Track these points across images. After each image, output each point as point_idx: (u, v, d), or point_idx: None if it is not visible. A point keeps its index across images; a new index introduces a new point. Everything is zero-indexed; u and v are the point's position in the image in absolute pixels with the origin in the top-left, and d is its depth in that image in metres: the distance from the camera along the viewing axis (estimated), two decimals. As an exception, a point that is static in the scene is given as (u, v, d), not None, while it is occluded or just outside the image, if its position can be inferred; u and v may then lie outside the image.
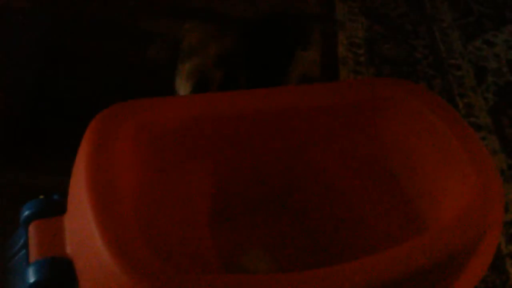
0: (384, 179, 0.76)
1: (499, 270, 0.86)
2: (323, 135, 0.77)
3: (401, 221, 0.73)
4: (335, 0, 1.37)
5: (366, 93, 0.76)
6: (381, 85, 0.78)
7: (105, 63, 1.07)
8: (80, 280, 0.51)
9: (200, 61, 0.87)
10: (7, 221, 0.65)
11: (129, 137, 0.60)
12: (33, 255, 0.53)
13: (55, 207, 0.58)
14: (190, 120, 0.67)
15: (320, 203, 0.78)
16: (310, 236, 0.76)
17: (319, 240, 0.75)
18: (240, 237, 0.75)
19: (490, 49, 1.31)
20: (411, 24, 1.35)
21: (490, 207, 0.64)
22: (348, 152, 0.77)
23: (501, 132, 1.09)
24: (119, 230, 0.49)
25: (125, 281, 0.46)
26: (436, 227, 0.68)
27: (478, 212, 0.63)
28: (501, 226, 0.68)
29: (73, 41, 1.11)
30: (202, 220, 0.73)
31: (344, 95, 0.76)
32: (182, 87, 0.86)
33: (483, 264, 0.67)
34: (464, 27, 1.37)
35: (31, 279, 0.51)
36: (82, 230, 0.51)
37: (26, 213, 0.57)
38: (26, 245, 0.55)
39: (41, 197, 0.59)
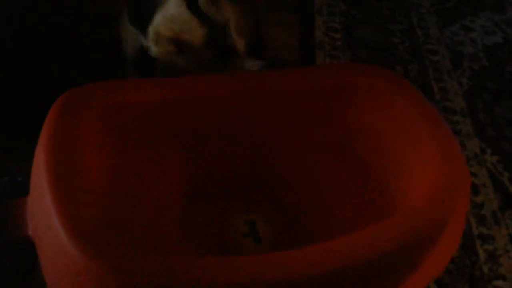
0: (354, 162, 0.77)
1: (469, 251, 0.88)
2: (294, 119, 0.77)
3: (370, 202, 0.74)
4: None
5: (338, 78, 0.77)
6: (352, 71, 0.78)
7: (79, 44, 1.06)
8: (41, 260, 0.51)
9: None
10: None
11: (94, 119, 0.60)
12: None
13: (18, 189, 0.57)
14: (159, 101, 0.67)
15: (291, 185, 0.78)
16: (280, 216, 0.76)
17: (290, 220, 0.76)
18: (216, 219, 0.76)
19: (466, 34, 1.31)
20: (388, 9, 1.35)
21: (456, 190, 0.65)
22: (319, 135, 0.78)
23: (475, 116, 1.10)
24: (78, 211, 0.49)
25: (80, 259, 0.46)
26: (403, 209, 0.68)
27: (443, 195, 0.64)
28: (467, 208, 0.69)
29: (47, 21, 1.09)
30: (172, 201, 0.73)
31: (316, 80, 0.76)
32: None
33: (450, 245, 0.68)
34: (442, 13, 1.37)
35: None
36: (41, 210, 0.50)
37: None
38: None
39: (5, 178, 0.59)
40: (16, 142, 0.86)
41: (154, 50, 0.77)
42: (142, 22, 0.80)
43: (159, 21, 0.75)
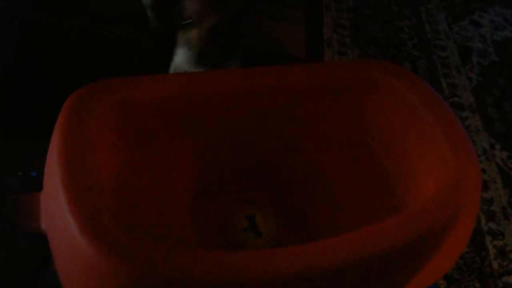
0: (364, 158, 0.77)
1: (479, 247, 0.88)
2: (304, 114, 0.77)
3: (380, 199, 0.74)
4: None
5: (348, 74, 0.77)
6: (363, 67, 0.78)
7: (86, 40, 1.07)
8: (54, 254, 0.52)
9: (197, 33, 0.86)
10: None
11: (105, 115, 0.60)
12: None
13: (32, 184, 0.58)
14: (168, 98, 0.67)
15: (301, 181, 0.78)
16: (291, 213, 0.76)
17: (300, 216, 0.76)
18: (220, 216, 0.76)
19: (475, 30, 1.31)
20: (397, 5, 1.34)
21: (466, 187, 0.65)
22: (329, 131, 0.78)
23: (484, 111, 1.10)
24: (90, 206, 0.49)
25: (92, 254, 0.46)
26: (413, 206, 0.68)
27: (453, 192, 0.64)
28: (477, 205, 0.68)
29: (54, 17, 1.10)
30: (181, 199, 0.74)
31: (326, 76, 0.76)
32: (179, 56, 0.85)
33: (460, 242, 0.68)
34: (450, 8, 1.37)
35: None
36: (54, 206, 0.51)
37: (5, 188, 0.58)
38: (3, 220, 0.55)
39: (19, 173, 0.59)
40: (30, 139, 0.88)
41: None
42: None
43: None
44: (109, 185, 0.60)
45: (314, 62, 1.11)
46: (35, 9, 1.10)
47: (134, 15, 0.99)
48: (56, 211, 0.50)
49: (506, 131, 1.07)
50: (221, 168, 0.77)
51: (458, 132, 0.69)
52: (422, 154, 0.70)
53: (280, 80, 0.74)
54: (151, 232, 0.65)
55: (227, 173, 0.78)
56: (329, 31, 1.22)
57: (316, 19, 1.24)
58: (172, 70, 0.83)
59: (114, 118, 0.62)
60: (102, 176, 0.58)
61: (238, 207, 0.77)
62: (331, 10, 1.28)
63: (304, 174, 0.78)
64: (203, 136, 0.74)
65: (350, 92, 0.76)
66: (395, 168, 0.74)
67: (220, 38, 0.86)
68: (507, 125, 1.08)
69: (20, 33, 1.03)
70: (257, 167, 0.79)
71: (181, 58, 0.82)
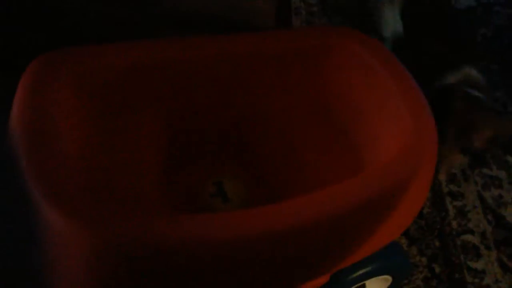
0: (327, 123, 0.79)
1: (439, 208, 0.91)
2: (271, 82, 0.79)
3: (343, 161, 0.76)
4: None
5: (312, 40, 0.78)
6: (325, 33, 0.79)
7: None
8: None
9: None
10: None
11: (68, 84, 0.61)
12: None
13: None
14: (135, 65, 0.68)
15: (266, 146, 0.80)
16: (257, 178, 0.78)
17: (266, 181, 0.78)
18: (189, 183, 0.78)
19: None
20: (364, -26, 1.35)
21: (424, 147, 0.68)
22: (293, 97, 0.80)
23: (447, 79, 1.13)
24: (53, 174, 0.50)
25: (54, 218, 0.47)
26: (372, 165, 0.71)
27: (412, 152, 0.67)
28: (434, 164, 0.72)
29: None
30: (150, 168, 0.75)
31: (290, 43, 0.77)
32: None
33: (418, 199, 0.71)
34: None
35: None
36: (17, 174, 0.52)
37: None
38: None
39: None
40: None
41: None
42: None
43: None
44: (76, 155, 0.61)
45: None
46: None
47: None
48: (20, 179, 0.51)
49: (468, 97, 1.10)
50: (188, 137, 0.79)
51: (416, 96, 0.72)
52: (382, 117, 0.73)
53: (244, 47, 0.75)
54: (120, 201, 0.66)
55: (194, 142, 0.79)
56: (297, 1, 1.23)
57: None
58: None
59: (81, 86, 0.63)
60: (67, 146, 0.58)
61: (206, 174, 0.79)
62: (299, -20, 1.29)
63: (269, 140, 0.80)
64: (169, 106, 0.75)
65: (313, 58, 0.77)
66: (357, 132, 0.76)
67: None
68: (469, 92, 1.12)
69: None
70: (223, 135, 0.81)
71: None
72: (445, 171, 0.75)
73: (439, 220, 0.90)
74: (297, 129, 0.79)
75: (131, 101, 0.70)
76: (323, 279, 0.72)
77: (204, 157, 0.78)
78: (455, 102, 0.74)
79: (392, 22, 0.65)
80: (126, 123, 0.71)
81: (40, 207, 0.49)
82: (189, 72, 0.71)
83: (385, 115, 0.72)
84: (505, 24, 1.29)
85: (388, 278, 0.78)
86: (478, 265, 0.85)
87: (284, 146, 0.79)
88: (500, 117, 0.70)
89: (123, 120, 0.71)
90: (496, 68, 1.17)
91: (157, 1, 1.14)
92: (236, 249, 0.54)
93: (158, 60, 0.68)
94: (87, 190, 0.57)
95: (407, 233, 0.87)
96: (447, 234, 0.88)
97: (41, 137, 0.54)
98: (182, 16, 1.14)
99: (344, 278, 0.73)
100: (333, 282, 0.72)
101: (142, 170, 0.73)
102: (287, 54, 0.77)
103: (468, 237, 0.88)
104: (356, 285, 0.76)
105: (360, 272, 0.74)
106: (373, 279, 0.78)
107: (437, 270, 0.84)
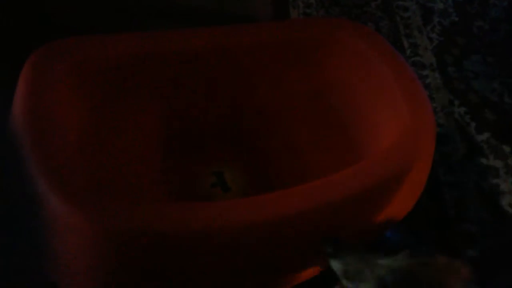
0: (325, 113, 0.80)
1: (436, 198, 0.92)
2: (267, 72, 0.79)
3: (341, 151, 0.77)
4: None
5: (310, 31, 0.79)
6: (323, 24, 0.80)
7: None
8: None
9: None
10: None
11: (70, 73, 0.61)
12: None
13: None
14: (135, 55, 0.68)
15: (265, 137, 0.81)
16: (257, 168, 0.79)
17: (266, 171, 0.79)
18: (189, 173, 0.78)
19: (437, -9, 1.33)
20: (361, -34, 1.36)
21: (421, 137, 0.68)
22: (291, 88, 0.80)
23: (444, 70, 1.14)
24: (56, 162, 0.51)
25: (57, 206, 0.48)
26: (370, 155, 0.72)
27: (409, 141, 0.67)
28: (431, 154, 0.72)
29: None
30: (151, 158, 0.76)
31: (288, 33, 0.78)
32: None
33: (416, 187, 0.71)
34: (413, -31, 1.39)
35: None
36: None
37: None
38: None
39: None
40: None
41: None
42: None
43: None
44: (77, 146, 0.61)
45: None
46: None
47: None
48: (23, 169, 0.52)
49: (465, 88, 1.11)
50: (188, 128, 0.79)
51: (413, 86, 0.72)
52: (380, 107, 0.73)
53: (245, 39, 0.76)
54: (120, 189, 0.67)
55: (194, 133, 0.80)
56: (294, -7, 1.23)
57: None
58: None
59: (82, 75, 0.63)
60: (71, 133, 0.59)
61: (206, 164, 0.80)
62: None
63: (267, 130, 0.81)
64: (168, 97, 0.75)
65: (311, 49, 0.78)
66: (355, 122, 0.77)
67: None
68: (466, 83, 1.12)
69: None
70: (223, 126, 0.81)
71: None
72: None
73: (436, 210, 0.90)
74: (296, 119, 0.79)
75: (131, 90, 0.71)
76: (315, 270, 0.72)
77: (204, 147, 0.79)
78: None
79: None
80: (126, 113, 0.71)
81: (47, 199, 0.49)
82: (188, 63, 0.72)
83: (382, 103, 0.73)
84: (502, 17, 1.29)
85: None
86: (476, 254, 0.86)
87: (283, 136, 0.79)
88: None
89: (123, 110, 0.71)
90: (492, 60, 1.18)
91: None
92: (239, 236, 0.55)
93: (157, 52, 0.69)
94: (90, 181, 0.57)
95: (404, 222, 0.88)
96: (445, 223, 0.89)
97: (44, 130, 0.55)
98: (177, 8, 1.14)
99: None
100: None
101: (143, 162, 0.73)
102: (284, 45, 0.77)
103: (466, 225, 0.89)
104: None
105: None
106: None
107: (435, 258, 0.84)
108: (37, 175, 0.51)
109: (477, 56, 1.18)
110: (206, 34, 0.73)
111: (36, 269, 0.60)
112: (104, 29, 0.67)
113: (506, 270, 0.64)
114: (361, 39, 0.77)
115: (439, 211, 0.90)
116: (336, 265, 0.58)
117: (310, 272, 0.70)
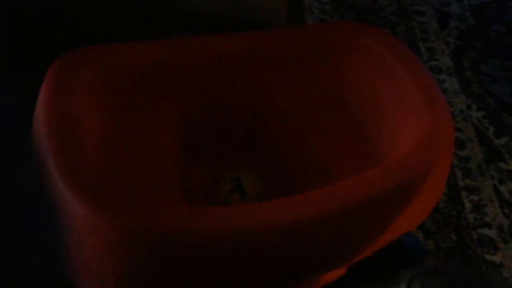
0: (344, 118, 0.80)
1: (455, 202, 0.91)
2: (287, 76, 0.80)
3: (360, 155, 0.77)
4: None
5: (330, 36, 0.79)
6: (344, 29, 0.80)
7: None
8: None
9: None
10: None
11: (91, 81, 0.62)
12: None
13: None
14: (154, 63, 0.69)
15: (284, 142, 0.81)
16: (275, 173, 0.79)
17: (284, 176, 0.79)
18: (207, 179, 0.79)
19: (453, -5, 1.33)
20: (376, -28, 1.36)
21: (440, 142, 0.68)
22: (309, 92, 0.80)
23: (461, 74, 1.13)
24: (77, 166, 0.52)
25: (76, 207, 0.49)
26: (389, 159, 0.72)
27: (428, 146, 0.67)
28: (451, 155, 0.72)
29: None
30: (170, 162, 0.76)
31: (308, 38, 0.78)
32: None
33: (435, 192, 0.71)
34: (429, -26, 1.39)
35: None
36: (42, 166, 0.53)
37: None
38: None
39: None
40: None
41: None
42: None
43: None
44: (98, 150, 0.63)
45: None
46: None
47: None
48: (45, 171, 0.53)
49: (483, 93, 1.10)
50: (207, 133, 0.80)
51: (432, 90, 0.72)
52: (399, 111, 0.73)
53: (263, 43, 0.76)
54: (139, 193, 0.68)
55: (213, 138, 0.81)
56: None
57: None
58: None
59: (102, 83, 0.65)
60: (91, 140, 0.60)
61: (224, 169, 0.80)
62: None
63: (286, 135, 0.81)
64: (188, 101, 0.76)
65: (329, 53, 0.78)
66: (374, 126, 0.77)
67: None
68: (483, 87, 1.11)
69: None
70: (241, 131, 0.82)
71: None
72: None
73: (455, 214, 0.90)
74: (313, 122, 0.80)
75: (149, 97, 0.72)
76: (340, 271, 0.72)
77: (224, 153, 0.79)
78: None
79: None
80: (144, 119, 0.72)
81: (67, 201, 0.50)
82: (206, 69, 0.73)
83: (402, 107, 0.73)
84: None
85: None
86: (496, 258, 0.85)
87: (301, 140, 0.80)
88: None
89: (141, 116, 0.72)
90: (510, 64, 1.17)
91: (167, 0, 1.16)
92: (259, 240, 0.55)
93: (178, 58, 0.69)
94: (110, 183, 0.58)
95: (423, 227, 0.87)
96: (463, 228, 0.88)
97: (66, 135, 0.56)
98: (192, 15, 1.15)
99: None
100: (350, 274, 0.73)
101: (161, 166, 0.74)
102: (301, 49, 0.78)
103: (484, 230, 0.88)
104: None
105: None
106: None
107: (454, 263, 0.84)
108: (58, 178, 0.52)
109: (494, 60, 1.18)
110: (225, 40, 0.74)
111: (53, 270, 0.61)
112: (126, 38, 0.69)
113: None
114: (382, 44, 0.77)
115: (458, 215, 0.90)
116: None
117: (331, 276, 0.70)
